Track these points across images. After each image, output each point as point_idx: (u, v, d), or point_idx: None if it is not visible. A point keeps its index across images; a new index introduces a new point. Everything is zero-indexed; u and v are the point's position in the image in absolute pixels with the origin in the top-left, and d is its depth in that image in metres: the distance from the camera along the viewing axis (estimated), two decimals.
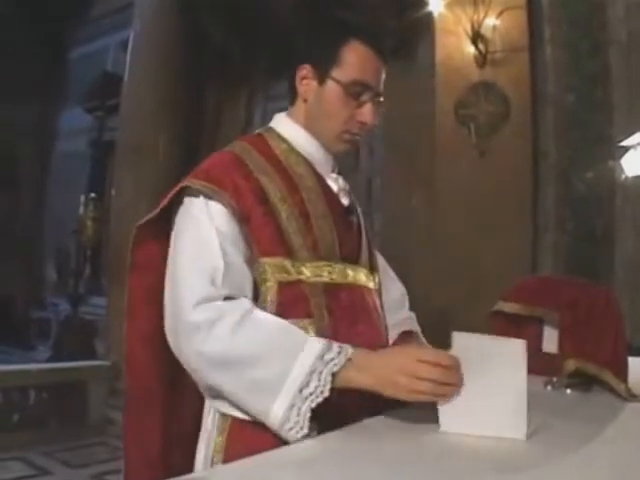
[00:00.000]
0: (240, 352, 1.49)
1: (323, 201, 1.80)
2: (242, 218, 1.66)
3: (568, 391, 1.84)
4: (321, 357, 1.44)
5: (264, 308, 1.64)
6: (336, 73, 1.76)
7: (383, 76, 1.83)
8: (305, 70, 1.80)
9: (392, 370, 1.43)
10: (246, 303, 1.57)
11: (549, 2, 6.03)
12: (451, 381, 1.40)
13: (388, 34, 1.82)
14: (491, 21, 6.17)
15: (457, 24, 6.33)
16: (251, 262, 1.68)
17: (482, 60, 6.22)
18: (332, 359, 1.44)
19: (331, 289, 1.72)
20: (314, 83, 1.80)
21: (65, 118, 12.76)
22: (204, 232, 1.65)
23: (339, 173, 1.92)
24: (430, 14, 6.53)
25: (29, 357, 4.61)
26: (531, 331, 2.14)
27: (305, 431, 1.41)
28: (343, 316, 1.72)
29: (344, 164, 1.97)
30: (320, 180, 1.83)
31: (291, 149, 1.83)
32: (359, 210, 2.00)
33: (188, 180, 1.72)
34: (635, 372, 1.84)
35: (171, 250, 1.69)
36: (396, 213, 7.28)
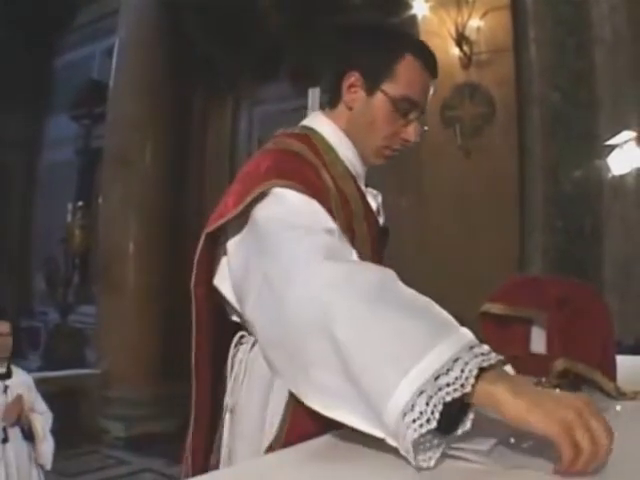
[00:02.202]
0: (384, 310, 1.20)
1: (363, 219, 1.73)
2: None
3: (557, 391, 1.83)
4: (469, 348, 1.11)
5: None
6: (387, 86, 1.72)
7: (431, 93, 1.80)
8: (354, 78, 1.74)
9: (559, 403, 1.06)
10: (383, 268, 1.34)
11: (533, 1, 6.04)
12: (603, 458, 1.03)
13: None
14: (475, 22, 6.19)
15: (441, 26, 6.34)
16: None
17: (467, 61, 6.24)
18: (482, 354, 1.11)
19: None
20: (362, 93, 1.74)
21: (51, 126, 12.71)
22: (304, 202, 1.50)
23: (366, 185, 1.86)
24: (414, 17, 6.54)
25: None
26: (519, 332, 2.13)
27: (431, 426, 1.06)
28: None
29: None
30: (362, 196, 1.78)
31: (337, 157, 1.75)
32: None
33: (271, 182, 1.52)
34: (624, 370, 1.84)
35: (253, 236, 1.52)
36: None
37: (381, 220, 1.86)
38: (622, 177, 5.56)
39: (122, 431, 8.20)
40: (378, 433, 1.15)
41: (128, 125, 8.90)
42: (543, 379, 1.86)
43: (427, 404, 1.06)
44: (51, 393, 4.87)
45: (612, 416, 1.50)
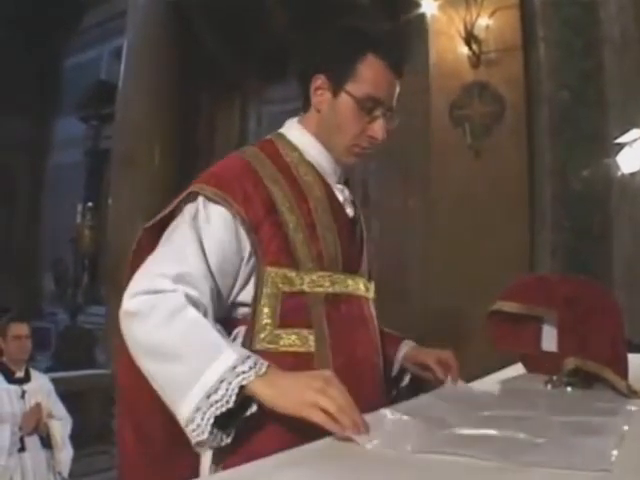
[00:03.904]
0: (166, 345, 1.51)
1: (329, 212, 1.81)
2: (251, 227, 1.67)
3: (568, 389, 1.83)
4: (233, 368, 1.42)
5: (263, 319, 1.67)
6: (351, 87, 1.76)
7: (397, 91, 1.83)
8: (320, 80, 1.80)
9: (302, 387, 1.40)
10: (181, 297, 1.55)
11: (542, 1, 6.03)
12: (354, 415, 1.33)
13: (403, 47, 1.83)
14: (484, 21, 6.17)
15: (450, 25, 6.33)
16: (251, 267, 1.70)
17: (476, 60, 6.22)
18: (243, 372, 1.42)
19: (331, 299, 1.74)
20: (328, 94, 1.80)
21: (60, 127, 12.74)
22: (187, 233, 1.67)
23: (346, 184, 1.95)
24: (423, 16, 6.53)
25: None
26: (530, 330, 2.14)
27: (205, 436, 1.42)
28: (342, 326, 1.74)
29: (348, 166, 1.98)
30: (328, 190, 1.85)
31: (302, 158, 1.83)
32: (362, 220, 2.01)
33: (199, 185, 1.72)
34: (635, 369, 1.84)
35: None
36: (392, 214, 7.28)
37: (350, 211, 1.90)
38: (631, 176, 5.54)
39: None
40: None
41: (136, 126, 8.92)
42: (554, 377, 1.86)
43: (202, 419, 1.42)
44: (61, 394, 4.87)
45: (625, 416, 1.50)
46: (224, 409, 1.41)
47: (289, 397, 1.40)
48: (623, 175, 5.56)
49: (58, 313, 11.58)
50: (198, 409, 1.42)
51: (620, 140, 5.49)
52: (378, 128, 1.80)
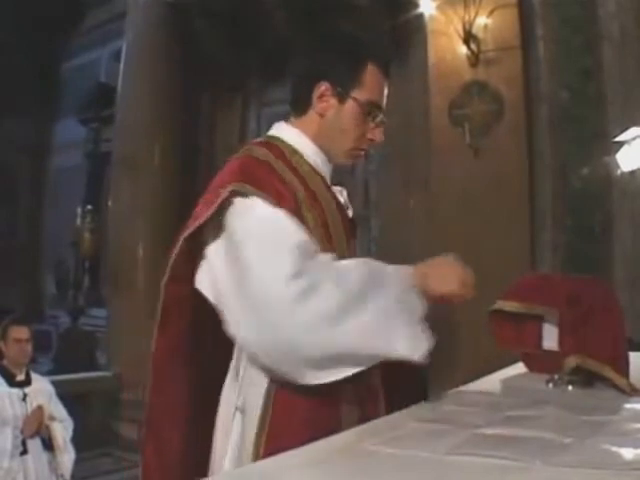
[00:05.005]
0: (352, 295, 1.58)
1: (337, 212, 1.89)
2: None
3: (570, 387, 1.83)
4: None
5: None
6: (356, 93, 1.88)
7: (385, 93, 1.97)
8: (324, 87, 1.89)
9: (450, 275, 1.80)
10: (326, 257, 1.66)
11: None
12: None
13: (393, 52, 2.02)
14: (482, 20, 6.17)
15: (448, 25, 6.33)
16: None
17: (475, 60, 6.21)
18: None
19: None
20: (334, 100, 1.89)
21: (60, 130, 12.74)
22: (273, 215, 1.68)
23: (340, 184, 2.02)
24: (421, 15, 6.53)
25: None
26: (531, 329, 2.14)
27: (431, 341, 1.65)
28: None
29: (341, 166, 2.04)
30: (330, 191, 1.92)
31: (302, 160, 1.89)
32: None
33: (238, 184, 1.70)
34: (637, 367, 1.84)
35: (228, 248, 1.69)
36: (393, 214, 7.28)
37: (350, 213, 1.99)
38: (631, 174, 5.54)
39: (134, 433, 8.20)
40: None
41: (136, 128, 8.91)
42: (556, 376, 1.86)
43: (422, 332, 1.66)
44: (62, 396, 4.86)
45: (630, 416, 1.50)
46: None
47: (442, 280, 1.77)
48: (623, 173, 5.56)
49: (59, 316, 11.57)
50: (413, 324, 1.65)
51: (620, 138, 5.48)
52: (379, 132, 1.93)
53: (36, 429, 4.45)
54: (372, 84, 1.90)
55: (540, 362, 1.93)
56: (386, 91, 1.96)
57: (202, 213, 1.72)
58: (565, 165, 5.81)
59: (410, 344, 1.61)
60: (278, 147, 1.88)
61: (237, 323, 1.63)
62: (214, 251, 1.72)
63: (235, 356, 1.79)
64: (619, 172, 5.58)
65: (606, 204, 5.65)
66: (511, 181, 5.99)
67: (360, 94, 1.88)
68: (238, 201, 1.69)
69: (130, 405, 8.26)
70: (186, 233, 1.75)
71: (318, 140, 1.92)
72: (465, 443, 1.25)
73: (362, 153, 1.98)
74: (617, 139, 5.50)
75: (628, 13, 5.68)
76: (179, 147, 9.18)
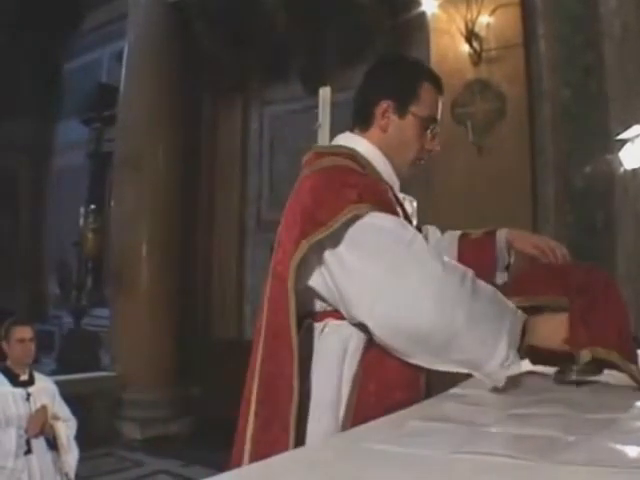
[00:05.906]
0: (482, 296, 1.72)
1: (409, 221, 2.06)
2: None
3: (578, 378, 1.84)
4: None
5: None
6: (415, 109, 2.06)
7: (440, 108, 2.16)
8: (386, 105, 2.05)
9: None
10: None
11: None
12: None
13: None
14: (485, 19, 6.17)
15: (451, 23, 6.33)
16: None
17: (477, 58, 6.22)
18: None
19: None
20: (395, 117, 2.06)
21: (62, 130, 12.75)
22: (394, 220, 1.82)
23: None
24: (424, 14, 6.53)
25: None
26: None
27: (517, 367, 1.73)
28: None
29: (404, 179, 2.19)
30: (399, 202, 2.08)
31: (375, 171, 2.04)
32: None
33: (366, 206, 1.79)
34: None
35: (360, 253, 1.78)
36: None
37: (415, 222, 2.20)
38: (633, 171, 5.54)
39: (137, 433, 8.22)
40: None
41: (138, 128, 8.92)
42: (565, 369, 1.86)
43: (515, 356, 1.70)
44: (65, 396, 4.86)
45: (636, 414, 1.50)
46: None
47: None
48: (625, 171, 5.56)
49: (62, 316, 11.59)
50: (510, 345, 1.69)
51: (622, 136, 5.48)
52: (437, 142, 2.14)
53: (40, 429, 4.45)
54: (428, 100, 2.08)
55: (546, 353, 1.92)
56: (440, 105, 2.14)
57: (321, 221, 1.78)
58: (567, 162, 5.81)
59: (500, 368, 1.70)
60: (355, 158, 2.00)
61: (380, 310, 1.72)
62: (336, 255, 1.81)
63: (296, 340, 1.81)
64: (621, 169, 5.58)
65: (608, 201, 5.65)
66: (514, 178, 6.00)
67: (419, 109, 2.06)
68: (365, 217, 1.79)
69: (132, 405, 8.27)
70: (312, 240, 1.79)
71: (385, 154, 2.07)
72: (469, 441, 1.25)
73: (422, 162, 2.15)
74: (619, 137, 5.50)
75: (629, 10, 5.69)
76: (181, 147, 9.19)
